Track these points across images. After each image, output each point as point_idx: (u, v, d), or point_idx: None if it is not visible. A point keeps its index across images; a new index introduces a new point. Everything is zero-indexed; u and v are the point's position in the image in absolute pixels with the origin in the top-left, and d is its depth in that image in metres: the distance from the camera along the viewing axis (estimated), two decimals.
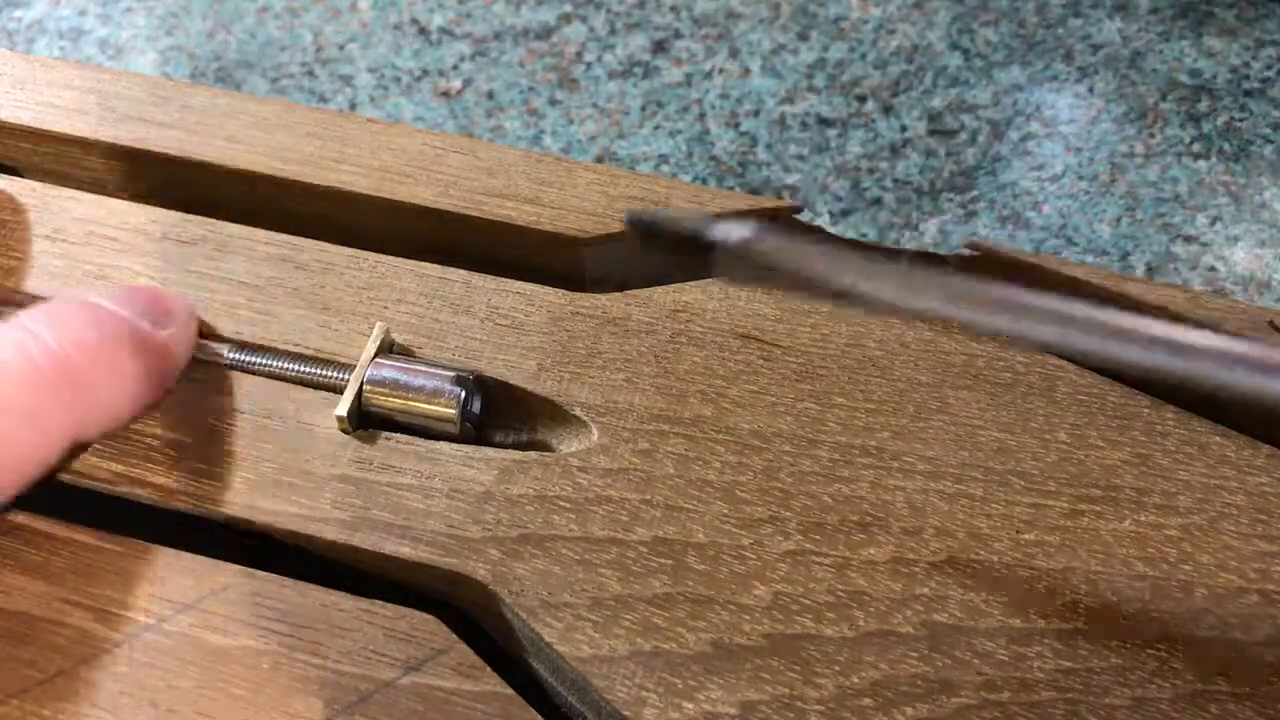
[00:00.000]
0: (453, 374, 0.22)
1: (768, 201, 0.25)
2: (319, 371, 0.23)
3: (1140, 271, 0.57)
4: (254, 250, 0.25)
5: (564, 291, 0.24)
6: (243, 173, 0.26)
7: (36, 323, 0.20)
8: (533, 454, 0.22)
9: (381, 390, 0.22)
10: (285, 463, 0.22)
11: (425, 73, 0.67)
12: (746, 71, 0.65)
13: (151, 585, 0.21)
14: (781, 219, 0.26)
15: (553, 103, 0.65)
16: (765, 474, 0.22)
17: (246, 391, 0.23)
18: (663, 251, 0.22)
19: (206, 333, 0.24)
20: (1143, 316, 0.17)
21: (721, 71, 0.65)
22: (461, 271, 0.24)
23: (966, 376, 0.23)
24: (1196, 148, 0.61)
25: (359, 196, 0.25)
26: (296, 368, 0.23)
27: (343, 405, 0.22)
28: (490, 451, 0.22)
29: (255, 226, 0.25)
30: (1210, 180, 0.59)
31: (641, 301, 0.24)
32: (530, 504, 0.21)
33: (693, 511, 0.21)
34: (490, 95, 0.65)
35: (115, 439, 0.22)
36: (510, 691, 0.19)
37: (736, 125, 0.63)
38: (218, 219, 0.25)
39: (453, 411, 0.22)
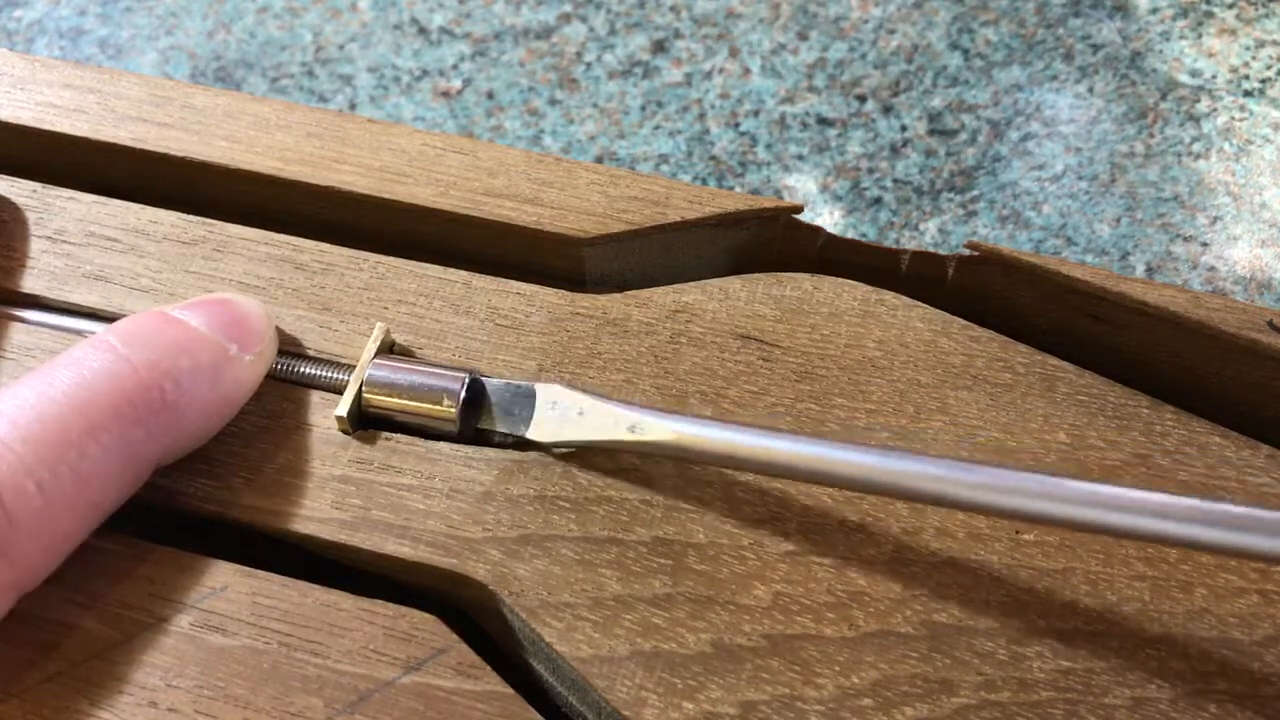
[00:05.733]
0: (452, 374, 0.22)
1: (768, 201, 0.25)
2: (319, 372, 0.23)
3: (1140, 271, 0.57)
4: (254, 251, 0.25)
5: (564, 292, 0.24)
6: (243, 173, 0.26)
7: (128, 347, 0.20)
8: (533, 454, 0.22)
9: (381, 390, 0.22)
10: (285, 463, 0.22)
11: (425, 73, 0.67)
12: (746, 71, 0.65)
13: (151, 585, 0.21)
14: (781, 219, 0.26)
15: (553, 103, 0.65)
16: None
17: None
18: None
19: None
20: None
21: (721, 71, 0.65)
22: (461, 272, 0.24)
23: (966, 377, 0.23)
24: (1196, 148, 0.61)
25: (359, 196, 0.25)
26: (296, 368, 0.23)
27: (343, 405, 0.22)
28: (490, 451, 0.22)
29: (255, 226, 0.25)
30: (1210, 180, 0.59)
31: (641, 302, 0.24)
32: (530, 504, 0.21)
33: (693, 511, 0.21)
34: (490, 95, 0.65)
35: None
36: (510, 691, 0.19)
37: (736, 125, 0.63)
38: (217, 219, 0.25)
39: (452, 412, 0.22)
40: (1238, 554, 0.17)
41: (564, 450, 0.22)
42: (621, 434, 0.21)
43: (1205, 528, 0.17)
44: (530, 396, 0.22)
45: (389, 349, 0.23)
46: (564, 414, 0.22)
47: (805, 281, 0.24)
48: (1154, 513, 0.18)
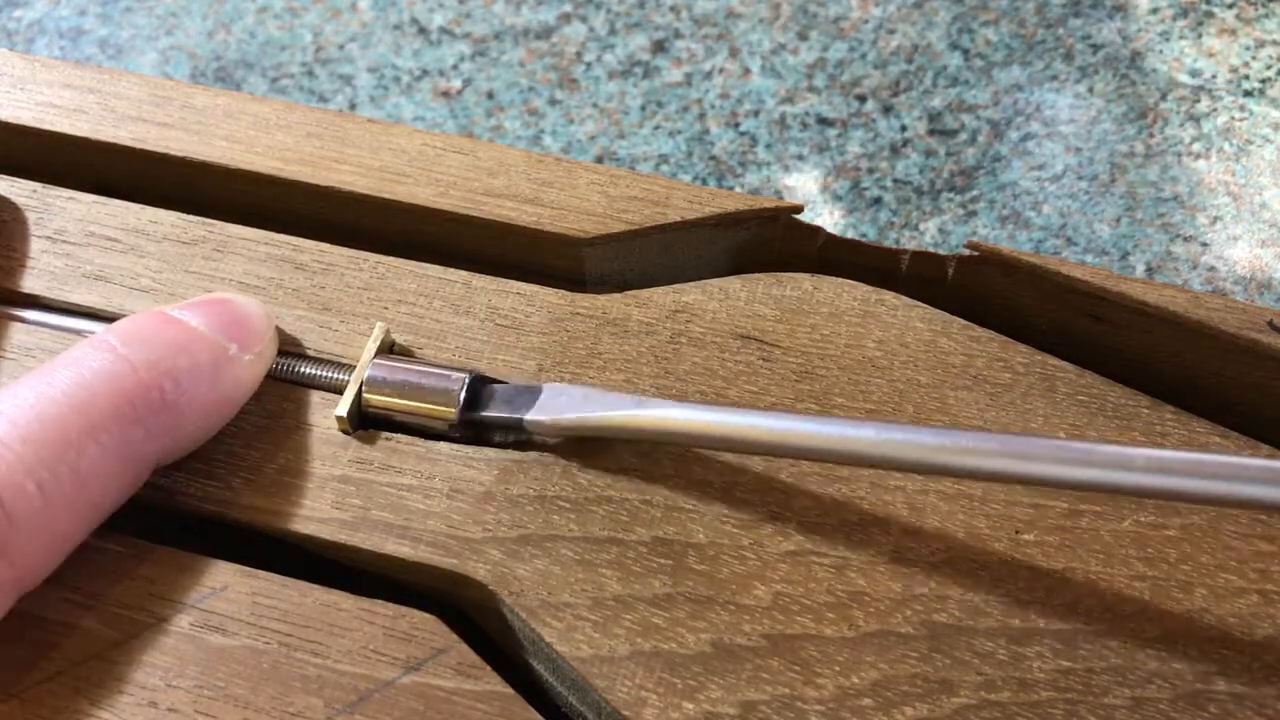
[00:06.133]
0: (452, 374, 0.22)
1: (767, 202, 0.25)
2: (319, 372, 0.23)
3: (1140, 271, 0.57)
4: (254, 251, 0.25)
5: (564, 292, 0.24)
6: (243, 173, 0.26)
7: (127, 347, 0.20)
8: (532, 454, 0.22)
9: (381, 390, 0.22)
10: (285, 463, 0.22)
11: (425, 73, 0.67)
12: (746, 71, 0.65)
13: (151, 585, 0.21)
14: (781, 219, 0.26)
15: (553, 103, 0.65)
16: (765, 474, 0.22)
17: None
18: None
19: None
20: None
21: (721, 71, 0.65)
22: (461, 272, 0.24)
23: (966, 377, 0.23)
24: (1196, 148, 0.61)
25: (359, 196, 0.25)
26: (296, 368, 0.23)
27: (343, 405, 0.22)
28: (490, 451, 0.22)
29: (255, 226, 0.25)
30: (1210, 180, 0.59)
31: (641, 302, 0.24)
32: (530, 504, 0.21)
33: (693, 511, 0.21)
34: (490, 95, 0.65)
35: None
36: (510, 691, 0.19)
37: (736, 125, 0.63)
38: (217, 219, 0.25)
39: (452, 411, 0.22)
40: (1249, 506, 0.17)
41: (565, 440, 0.22)
42: (625, 416, 0.21)
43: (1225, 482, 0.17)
44: (532, 393, 0.22)
45: (389, 349, 0.23)
46: (566, 403, 0.21)
47: (805, 281, 0.24)
48: (1169, 470, 0.18)
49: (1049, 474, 0.18)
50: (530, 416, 0.22)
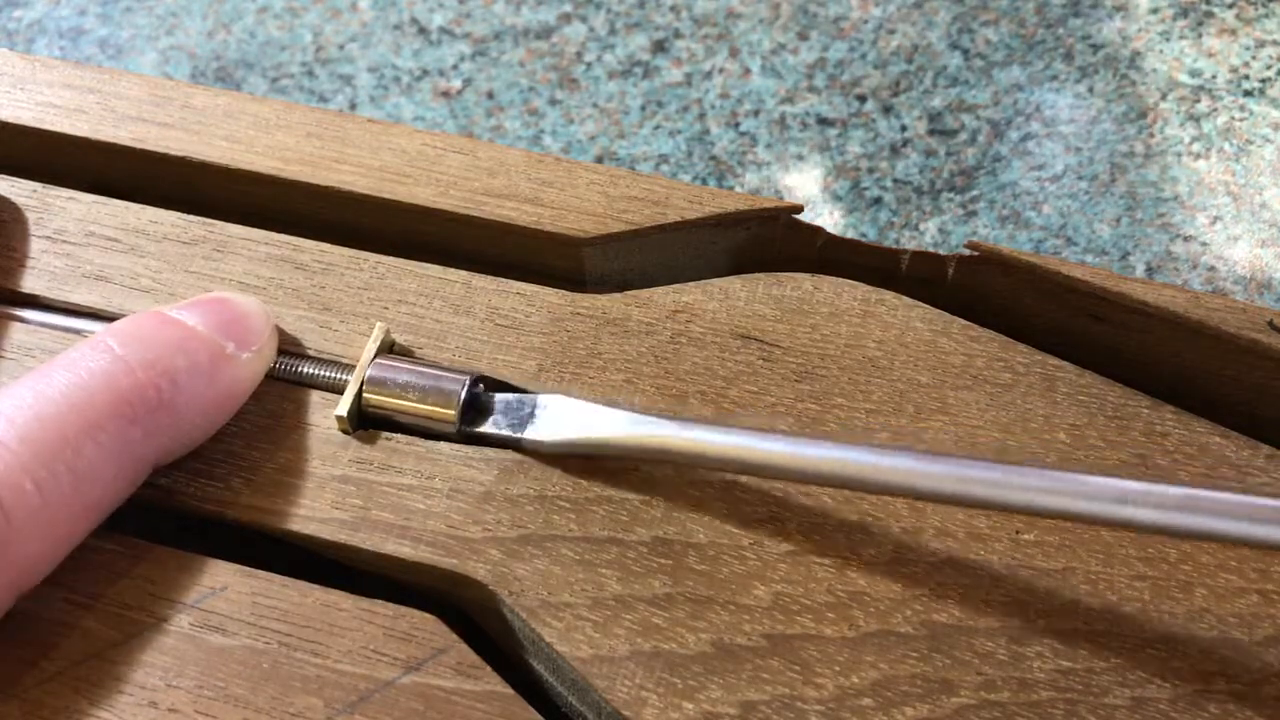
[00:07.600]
0: (452, 374, 0.22)
1: (768, 202, 0.25)
2: (319, 372, 0.23)
3: (1140, 271, 0.57)
4: (254, 251, 0.25)
5: (564, 292, 0.24)
6: (243, 173, 0.26)
7: (125, 347, 0.20)
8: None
9: (381, 390, 0.22)
10: (285, 463, 0.22)
11: (425, 73, 0.67)
12: (746, 71, 0.65)
13: (151, 585, 0.21)
14: (781, 219, 0.26)
15: (553, 103, 0.65)
16: None
17: None
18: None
19: None
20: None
21: (721, 71, 0.65)
22: (461, 272, 0.24)
23: (966, 377, 0.23)
24: (1196, 148, 0.61)
25: (359, 196, 0.25)
26: (296, 368, 0.23)
27: (343, 405, 0.22)
28: (490, 451, 0.22)
29: (255, 226, 0.25)
30: (1210, 180, 0.59)
31: (641, 302, 0.24)
32: (530, 504, 0.21)
33: (693, 511, 0.21)
34: (490, 95, 0.65)
35: None
36: (510, 691, 0.19)
37: (736, 125, 0.63)
38: (217, 219, 0.25)
39: (452, 412, 0.22)
40: (1242, 543, 0.17)
41: (562, 453, 0.22)
42: (620, 438, 0.21)
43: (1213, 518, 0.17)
44: (530, 404, 0.22)
45: (389, 349, 0.23)
46: (563, 419, 0.22)
47: (805, 281, 0.24)
48: (1160, 504, 0.18)
49: (1062, 507, 0.18)
50: (529, 436, 0.22)
